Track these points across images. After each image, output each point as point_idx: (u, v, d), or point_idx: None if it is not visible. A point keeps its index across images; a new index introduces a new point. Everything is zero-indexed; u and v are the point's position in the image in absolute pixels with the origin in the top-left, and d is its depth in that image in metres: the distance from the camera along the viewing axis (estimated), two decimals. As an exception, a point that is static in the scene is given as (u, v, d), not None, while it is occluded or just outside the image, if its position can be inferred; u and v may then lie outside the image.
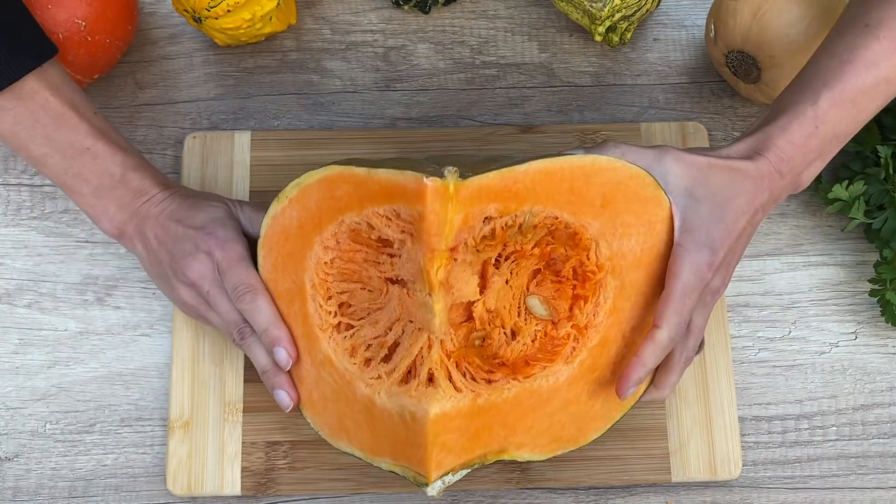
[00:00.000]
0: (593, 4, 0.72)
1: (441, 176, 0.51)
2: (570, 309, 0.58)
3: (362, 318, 0.58)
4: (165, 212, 0.63)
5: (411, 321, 0.56)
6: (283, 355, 0.58)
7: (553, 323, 0.58)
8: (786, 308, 0.71)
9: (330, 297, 0.58)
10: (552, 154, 0.57)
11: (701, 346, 0.61)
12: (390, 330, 0.57)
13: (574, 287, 0.58)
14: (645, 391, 0.60)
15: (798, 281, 0.72)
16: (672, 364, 0.58)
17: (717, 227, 0.57)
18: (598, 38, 0.74)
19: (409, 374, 0.56)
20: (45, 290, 0.71)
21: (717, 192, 0.57)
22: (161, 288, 0.65)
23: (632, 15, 0.74)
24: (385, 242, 0.56)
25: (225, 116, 0.76)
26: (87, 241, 0.72)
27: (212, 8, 0.69)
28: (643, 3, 0.73)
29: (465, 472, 0.57)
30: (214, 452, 0.66)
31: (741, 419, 0.69)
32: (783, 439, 0.68)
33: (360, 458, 0.58)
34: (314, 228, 0.57)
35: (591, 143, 0.73)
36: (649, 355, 0.56)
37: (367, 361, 0.57)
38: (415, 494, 0.66)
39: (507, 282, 0.58)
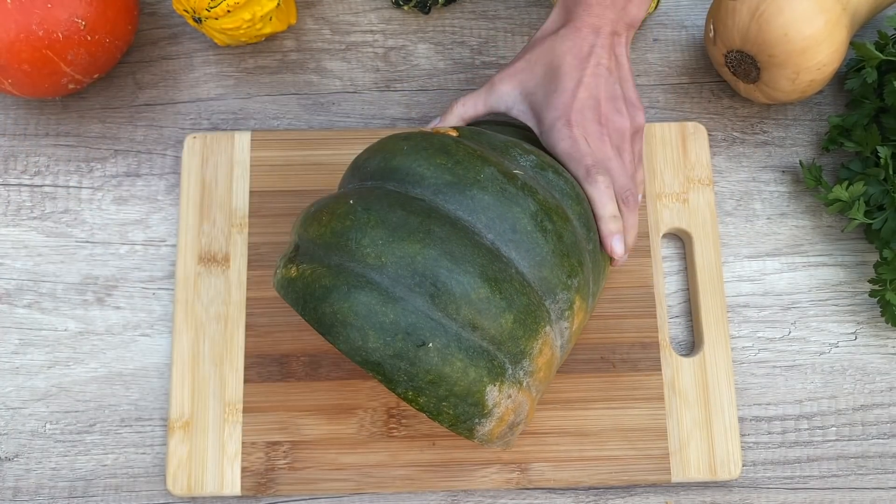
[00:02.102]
0: (593, 5, 0.72)
1: None
2: None
3: None
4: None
5: None
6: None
7: None
8: (785, 308, 0.71)
9: None
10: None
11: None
12: None
13: None
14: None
15: (798, 281, 0.72)
16: (624, 205, 0.62)
17: (554, 97, 0.61)
18: (598, 39, 0.74)
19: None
20: (45, 290, 0.71)
21: (544, 74, 0.62)
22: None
23: (632, 15, 0.74)
24: None
25: (225, 116, 0.76)
26: (87, 241, 0.72)
27: (212, 8, 0.69)
28: (643, 3, 0.73)
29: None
30: (214, 453, 0.66)
31: (741, 419, 0.69)
32: (783, 440, 0.68)
33: None
34: None
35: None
36: (598, 207, 0.59)
37: None
38: (414, 494, 0.66)
39: None
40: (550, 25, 0.64)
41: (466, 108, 0.65)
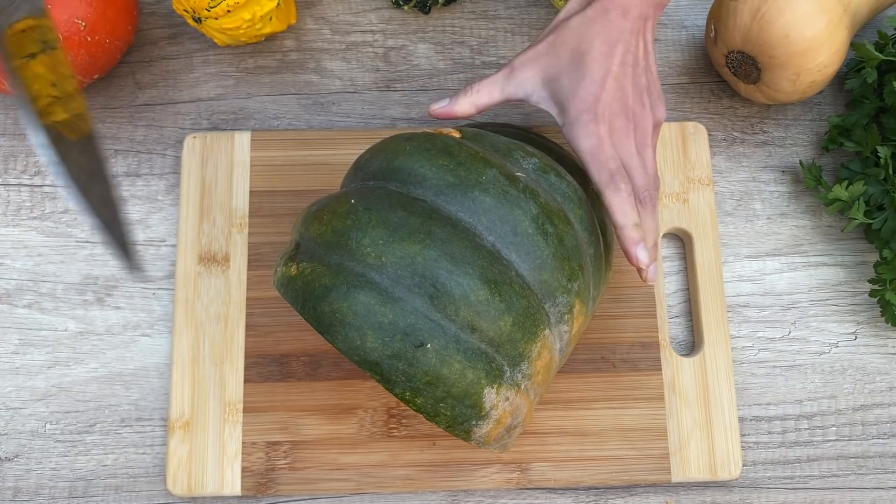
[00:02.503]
0: (593, 5, 0.72)
1: None
2: None
3: None
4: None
5: None
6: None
7: None
8: (785, 308, 0.71)
9: None
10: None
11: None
12: None
13: None
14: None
15: (798, 281, 0.72)
16: (643, 208, 0.59)
17: (581, 86, 0.57)
18: (598, 39, 0.74)
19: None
20: (45, 290, 0.71)
21: (570, 59, 0.58)
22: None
23: (632, 15, 0.74)
24: None
25: (225, 116, 0.76)
26: (87, 241, 0.72)
27: (212, 8, 0.69)
28: (643, 3, 0.73)
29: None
30: (214, 453, 0.66)
31: (741, 419, 0.69)
32: (783, 439, 0.68)
33: None
34: None
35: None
36: (619, 216, 0.57)
37: None
38: (415, 494, 0.66)
39: None
40: (574, 5, 0.59)
41: (481, 96, 0.60)
